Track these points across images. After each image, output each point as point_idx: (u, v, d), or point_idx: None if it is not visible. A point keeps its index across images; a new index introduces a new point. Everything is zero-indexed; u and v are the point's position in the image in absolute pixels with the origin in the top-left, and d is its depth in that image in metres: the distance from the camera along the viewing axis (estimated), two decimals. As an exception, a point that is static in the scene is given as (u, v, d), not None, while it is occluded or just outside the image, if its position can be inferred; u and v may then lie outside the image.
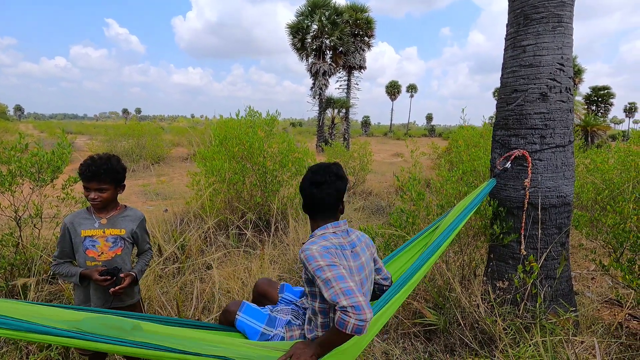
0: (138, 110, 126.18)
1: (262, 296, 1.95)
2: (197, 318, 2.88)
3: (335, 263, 1.36)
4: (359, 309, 1.22)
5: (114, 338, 1.20)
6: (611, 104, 35.25)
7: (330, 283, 1.30)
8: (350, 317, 1.22)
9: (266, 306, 1.83)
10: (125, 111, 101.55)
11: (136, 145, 14.40)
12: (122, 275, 1.87)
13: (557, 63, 2.57)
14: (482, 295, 2.79)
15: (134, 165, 12.92)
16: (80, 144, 17.05)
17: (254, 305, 1.75)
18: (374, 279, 1.77)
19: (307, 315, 1.59)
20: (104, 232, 1.91)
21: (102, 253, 1.90)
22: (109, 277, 1.82)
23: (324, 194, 1.53)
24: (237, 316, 1.67)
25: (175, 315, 2.83)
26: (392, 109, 66.39)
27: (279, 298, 1.88)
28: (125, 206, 2.06)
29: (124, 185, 2.00)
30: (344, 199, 1.66)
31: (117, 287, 1.83)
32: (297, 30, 22.36)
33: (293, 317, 1.69)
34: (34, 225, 3.24)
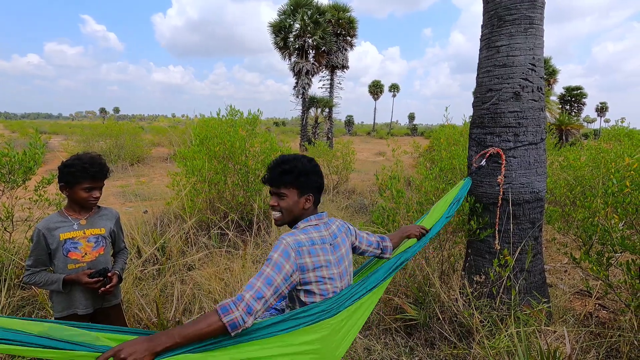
0: (116, 110, 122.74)
1: None
2: (177, 320, 2.84)
3: (281, 265, 1.33)
4: (250, 311, 1.22)
5: (85, 343, 1.16)
6: (584, 104, 36.64)
7: (260, 276, 1.30)
8: (239, 309, 1.21)
9: None
10: (102, 110, 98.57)
11: (114, 145, 14.02)
12: (109, 274, 1.86)
13: (529, 63, 2.66)
14: (460, 289, 2.86)
15: (112, 165, 12.58)
16: (55, 144, 16.47)
17: None
18: (374, 254, 1.82)
19: None
20: (84, 233, 1.87)
21: (86, 254, 1.87)
22: (101, 279, 1.81)
23: (320, 182, 1.55)
24: None
25: (155, 318, 2.79)
26: (375, 108, 67.00)
27: None
28: (99, 206, 2.03)
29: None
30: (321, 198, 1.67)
31: (107, 287, 1.83)
32: (280, 29, 22.26)
33: (272, 314, 1.69)
34: (5, 229, 3.12)
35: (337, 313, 1.44)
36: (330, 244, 1.52)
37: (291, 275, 1.35)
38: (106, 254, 1.96)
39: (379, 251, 1.83)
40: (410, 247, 1.98)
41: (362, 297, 1.58)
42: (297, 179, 1.48)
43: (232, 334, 1.21)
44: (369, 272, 1.98)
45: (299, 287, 1.43)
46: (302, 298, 1.44)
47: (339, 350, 1.54)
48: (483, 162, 2.75)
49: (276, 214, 1.52)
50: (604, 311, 3.05)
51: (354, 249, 1.76)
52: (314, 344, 1.39)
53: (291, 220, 1.53)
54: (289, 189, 1.49)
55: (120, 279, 1.96)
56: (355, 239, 1.73)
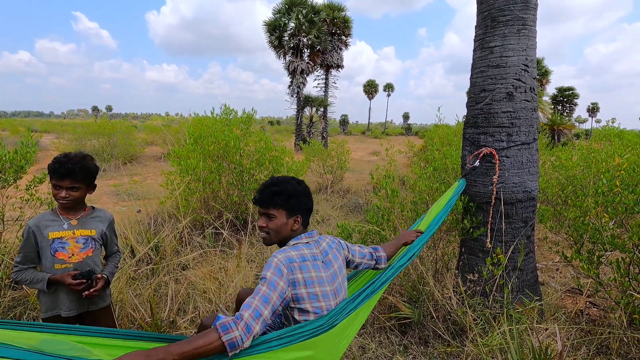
0: (109, 108, 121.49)
1: None
2: (171, 319, 2.83)
3: (275, 282, 1.33)
4: (249, 331, 1.21)
5: (78, 358, 1.13)
6: (575, 104, 37.09)
7: (257, 294, 1.30)
8: (238, 329, 1.19)
9: None
10: (95, 108, 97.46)
11: (107, 144, 13.87)
12: (96, 277, 1.83)
13: (522, 64, 2.69)
14: (454, 287, 2.89)
15: (105, 164, 12.46)
16: (47, 143, 16.26)
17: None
18: (369, 265, 1.83)
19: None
20: (73, 233, 1.85)
21: (73, 255, 1.84)
22: (84, 281, 1.77)
23: (310, 205, 1.59)
24: None
25: (149, 318, 2.77)
26: (369, 107, 67.14)
27: None
28: (93, 207, 2.00)
29: (95, 185, 1.95)
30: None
31: (91, 290, 1.78)
32: (275, 28, 22.20)
33: (270, 328, 1.66)
34: (-5, 228, 3.08)
35: (331, 328, 1.43)
36: (322, 262, 1.51)
37: (285, 292, 1.36)
38: (95, 256, 1.92)
39: (374, 262, 1.83)
40: (405, 253, 1.97)
41: (357, 308, 1.58)
42: (286, 201, 1.51)
43: (230, 354, 1.18)
44: (363, 282, 1.98)
45: (293, 305, 1.43)
46: (297, 317, 1.44)
47: (335, 357, 1.55)
48: (477, 163, 2.77)
49: (264, 234, 1.55)
50: (594, 309, 3.10)
51: (348, 263, 1.75)
52: (308, 357, 1.38)
53: (279, 240, 1.56)
54: (278, 210, 1.51)
55: (107, 283, 1.92)
56: (348, 252, 1.73)
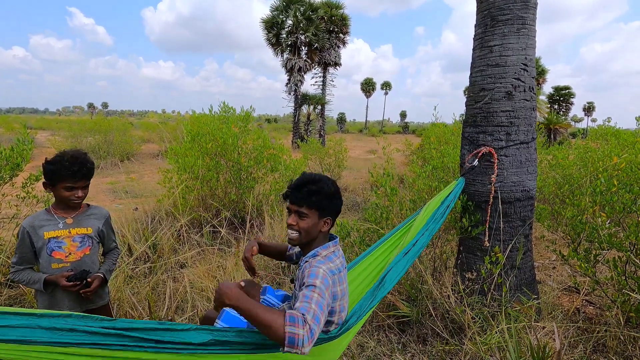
0: (105, 105, 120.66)
1: None
2: (169, 318, 2.82)
3: (325, 293, 1.28)
4: (312, 336, 1.12)
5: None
6: (572, 103, 37.28)
7: (310, 300, 1.22)
8: (304, 329, 1.10)
9: None
10: (91, 105, 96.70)
11: (103, 141, 13.78)
12: (89, 279, 1.80)
13: (522, 63, 2.69)
14: (452, 286, 2.90)
15: (101, 162, 12.37)
16: (42, 140, 16.10)
17: (233, 312, 1.70)
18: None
19: None
20: (69, 232, 1.83)
21: (70, 254, 1.82)
22: (78, 282, 1.75)
23: (340, 207, 1.54)
24: (215, 324, 1.64)
25: (147, 316, 2.76)
26: (367, 106, 67.25)
27: (260, 300, 1.84)
28: (89, 205, 1.99)
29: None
30: None
31: (85, 291, 1.77)
32: (272, 26, 22.13)
33: None
34: (-9, 226, 3.05)
35: (340, 335, 1.43)
36: (344, 272, 1.49)
37: (329, 303, 1.30)
38: (92, 255, 1.91)
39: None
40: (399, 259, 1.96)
41: (364, 316, 1.58)
42: (321, 201, 1.45)
43: (283, 350, 1.09)
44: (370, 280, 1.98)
45: (327, 318, 1.38)
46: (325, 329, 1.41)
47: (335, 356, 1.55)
48: (475, 162, 2.78)
49: (293, 234, 1.47)
50: (590, 307, 3.12)
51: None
52: None
53: (307, 241, 1.49)
54: (312, 209, 1.45)
55: (105, 281, 1.90)
56: None
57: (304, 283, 1.30)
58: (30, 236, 1.78)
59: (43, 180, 1.82)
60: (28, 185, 3.11)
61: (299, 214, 1.46)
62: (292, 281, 1.67)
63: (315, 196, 1.44)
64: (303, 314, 1.14)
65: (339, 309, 1.41)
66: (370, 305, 1.58)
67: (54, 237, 1.80)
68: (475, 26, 2.91)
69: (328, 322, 1.41)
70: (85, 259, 1.87)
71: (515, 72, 2.69)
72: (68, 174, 1.75)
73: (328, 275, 1.34)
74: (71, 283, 1.73)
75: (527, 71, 2.70)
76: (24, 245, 1.79)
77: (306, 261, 1.45)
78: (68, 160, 1.77)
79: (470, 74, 2.95)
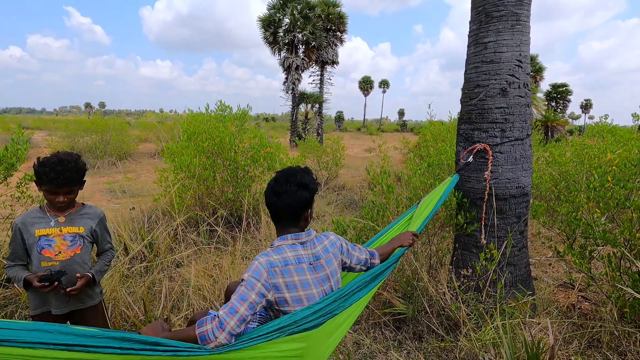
0: (102, 105, 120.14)
1: None
2: (165, 317, 2.81)
3: (252, 283, 1.36)
4: (222, 326, 1.27)
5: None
6: (569, 101, 37.34)
7: (235, 294, 1.35)
8: (212, 324, 1.28)
9: None
10: (88, 105, 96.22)
11: (100, 141, 13.73)
12: (77, 275, 1.78)
13: (516, 60, 2.69)
14: (447, 283, 2.90)
15: (98, 162, 12.34)
16: (38, 140, 16.04)
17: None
18: (360, 270, 1.78)
19: None
20: (60, 231, 1.82)
21: (60, 252, 1.81)
22: (47, 284, 1.69)
23: (283, 204, 1.49)
24: None
25: (143, 315, 2.76)
26: (365, 104, 67.10)
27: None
28: (83, 204, 1.98)
29: (85, 181, 1.94)
30: (313, 202, 1.61)
31: (68, 289, 1.73)
32: (269, 24, 22.06)
33: (260, 324, 1.63)
34: (-15, 226, 3.04)
35: (322, 324, 1.42)
36: (310, 264, 1.49)
37: (265, 294, 1.37)
38: (83, 254, 1.89)
39: (365, 268, 1.80)
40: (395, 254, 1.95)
41: (350, 307, 1.56)
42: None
43: (203, 345, 1.25)
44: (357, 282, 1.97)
45: (278, 308, 1.43)
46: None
47: (326, 352, 1.55)
48: (470, 159, 2.78)
49: None
50: (586, 303, 3.13)
51: (343, 265, 1.71)
52: (297, 350, 1.38)
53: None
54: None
55: (93, 281, 1.87)
56: (347, 258, 1.69)
57: None
58: (22, 233, 1.79)
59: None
60: (22, 185, 3.10)
61: None
62: None
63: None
64: (215, 313, 1.32)
65: (292, 301, 1.42)
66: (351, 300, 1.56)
67: (44, 235, 1.79)
68: (470, 23, 2.90)
69: (280, 312, 1.44)
70: (75, 258, 1.85)
71: (509, 69, 2.69)
72: (47, 180, 1.73)
73: (262, 267, 1.39)
74: (41, 284, 1.69)
75: (521, 68, 2.70)
76: (16, 242, 1.80)
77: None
78: (49, 166, 1.73)
79: (465, 70, 2.95)
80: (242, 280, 1.38)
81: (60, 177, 1.74)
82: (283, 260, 1.44)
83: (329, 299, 1.47)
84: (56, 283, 1.72)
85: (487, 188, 2.74)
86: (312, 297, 1.46)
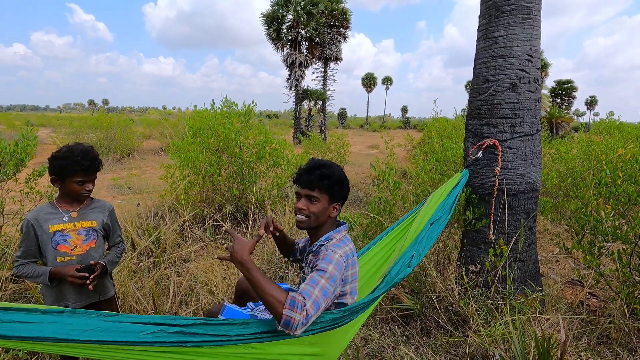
0: (105, 102, 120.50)
1: (244, 294, 1.94)
2: (174, 312, 2.83)
3: (337, 279, 1.29)
4: (307, 322, 1.17)
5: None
6: (574, 97, 37.03)
7: (315, 285, 1.25)
8: (301, 314, 1.15)
9: (248, 304, 1.81)
10: (91, 102, 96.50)
11: (105, 137, 13.78)
12: (92, 263, 1.79)
13: (526, 54, 2.66)
14: (456, 279, 2.90)
15: (103, 158, 12.33)
16: (43, 137, 16.13)
17: (235, 307, 1.72)
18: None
19: None
20: (74, 225, 1.83)
21: (76, 247, 1.82)
22: (87, 275, 1.74)
23: (347, 194, 1.55)
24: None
25: (152, 310, 2.77)
26: (368, 101, 66.82)
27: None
28: (92, 198, 1.99)
29: None
30: None
31: (91, 277, 1.75)
32: (272, 20, 21.98)
33: None
34: (-5, 222, 3.06)
35: (346, 322, 1.40)
36: (355, 256, 1.49)
37: (340, 287, 1.32)
38: (98, 248, 1.91)
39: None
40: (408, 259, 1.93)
41: (370, 306, 1.56)
42: (332, 186, 1.46)
43: (278, 327, 1.17)
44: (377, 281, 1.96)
45: (336, 301, 1.39)
46: (333, 309, 1.39)
47: (340, 349, 1.55)
48: (479, 154, 2.76)
49: (302, 217, 1.46)
50: (594, 300, 3.12)
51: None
52: (315, 350, 1.37)
53: (315, 226, 1.48)
54: (323, 193, 1.45)
55: (105, 271, 1.88)
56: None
57: (317, 265, 1.31)
58: (35, 229, 1.77)
59: (50, 175, 1.80)
60: (31, 180, 3.11)
61: (310, 197, 1.46)
62: (300, 268, 1.66)
63: (327, 180, 1.44)
64: (304, 299, 1.18)
65: (350, 292, 1.41)
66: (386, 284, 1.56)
67: (59, 231, 1.79)
68: (480, 17, 2.88)
69: (340, 305, 1.41)
70: (91, 252, 1.87)
71: (520, 63, 2.66)
72: (80, 168, 1.76)
73: (342, 260, 1.34)
74: (79, 274, 1.73)
75: (532, 62, 2.68)
76: (29, 239, 1.77)
77: (321, 244, 1.44)
78: (79, 154, 1.77)
79: (474, 65, 2.92)
80: (323, 271, 1.28)
81: (95, 162, 1.81)
82: (352, 251, 1.43)
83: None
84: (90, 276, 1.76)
85: (497, 184, 2.73)
86: (356, 289, 1.46)
